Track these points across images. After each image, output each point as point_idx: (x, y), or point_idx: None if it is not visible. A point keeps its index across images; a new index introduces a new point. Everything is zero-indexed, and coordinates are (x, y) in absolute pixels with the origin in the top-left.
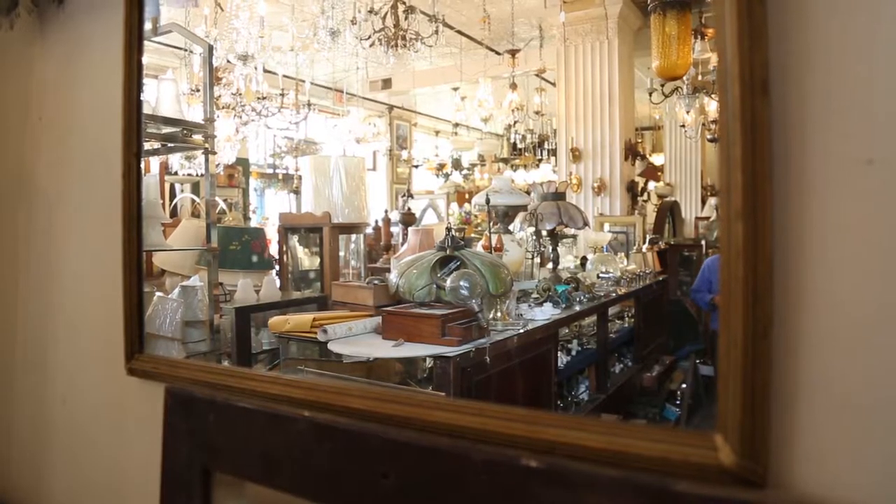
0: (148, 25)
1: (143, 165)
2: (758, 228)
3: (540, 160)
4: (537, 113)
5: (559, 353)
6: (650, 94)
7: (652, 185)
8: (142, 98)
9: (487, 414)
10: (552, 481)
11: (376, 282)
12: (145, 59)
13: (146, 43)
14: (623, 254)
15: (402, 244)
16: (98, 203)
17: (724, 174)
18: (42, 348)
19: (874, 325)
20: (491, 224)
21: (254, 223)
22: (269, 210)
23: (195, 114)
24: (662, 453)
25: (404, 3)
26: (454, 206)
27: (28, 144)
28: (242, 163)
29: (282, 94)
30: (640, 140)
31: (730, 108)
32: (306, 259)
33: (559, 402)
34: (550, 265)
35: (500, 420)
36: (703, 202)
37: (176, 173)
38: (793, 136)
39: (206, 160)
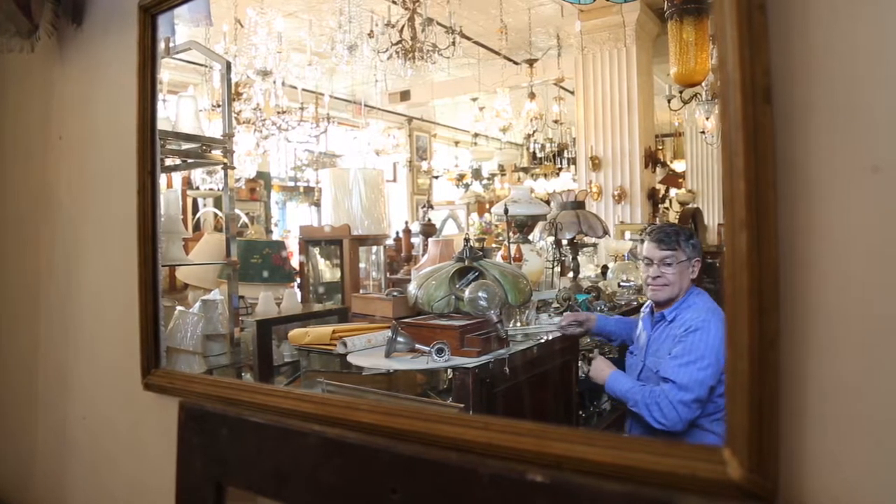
0: (162, 45)
1: (163, 181)
2: (762, 238)
3: (560, 169)
4: (556, 122)
5: (581, 363)
6: (669, 101)
7: (673, 192)
8: (156, 116)
9: (493, 428)
10: (558, 497)
11: (395, 293)
12: (167, 77)
13: (167, 60)
14: None
15: (423, 255)
16: (116, 220)
17: (727, 184)
18: (63, 365)
19: (884, 335)
20: (510, 234)
21: (276, 236)
22: (290, 223)
23: (217, 129)
24: (670, 468)
25: (421, 15)
26: (475, 216)
27: (50, 163)
28: (264, 176)
29: (301, 108)
30: (660, 147)
31: (732, 117)
32: (327, 271)
33: (581, 413)
34: (571, 274)
35: (506, 434)
36: None
37: (198, 188)
38: (797, 143)
39: (226, 175)
